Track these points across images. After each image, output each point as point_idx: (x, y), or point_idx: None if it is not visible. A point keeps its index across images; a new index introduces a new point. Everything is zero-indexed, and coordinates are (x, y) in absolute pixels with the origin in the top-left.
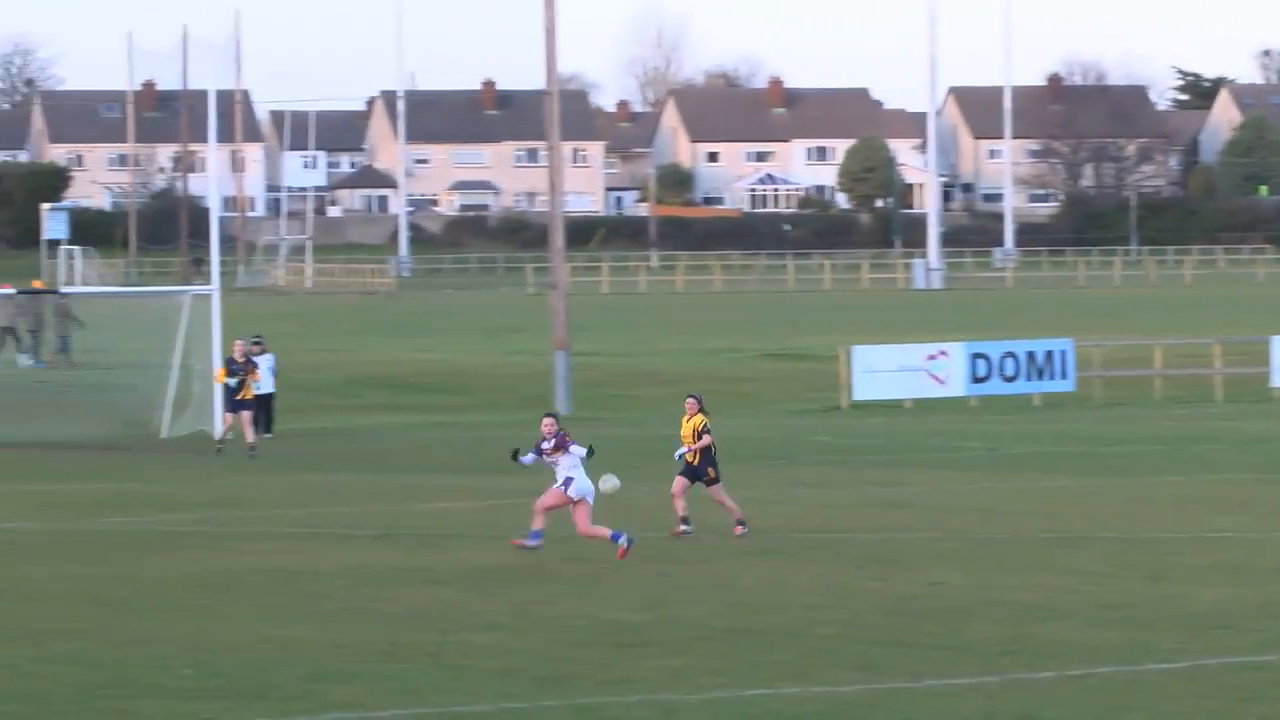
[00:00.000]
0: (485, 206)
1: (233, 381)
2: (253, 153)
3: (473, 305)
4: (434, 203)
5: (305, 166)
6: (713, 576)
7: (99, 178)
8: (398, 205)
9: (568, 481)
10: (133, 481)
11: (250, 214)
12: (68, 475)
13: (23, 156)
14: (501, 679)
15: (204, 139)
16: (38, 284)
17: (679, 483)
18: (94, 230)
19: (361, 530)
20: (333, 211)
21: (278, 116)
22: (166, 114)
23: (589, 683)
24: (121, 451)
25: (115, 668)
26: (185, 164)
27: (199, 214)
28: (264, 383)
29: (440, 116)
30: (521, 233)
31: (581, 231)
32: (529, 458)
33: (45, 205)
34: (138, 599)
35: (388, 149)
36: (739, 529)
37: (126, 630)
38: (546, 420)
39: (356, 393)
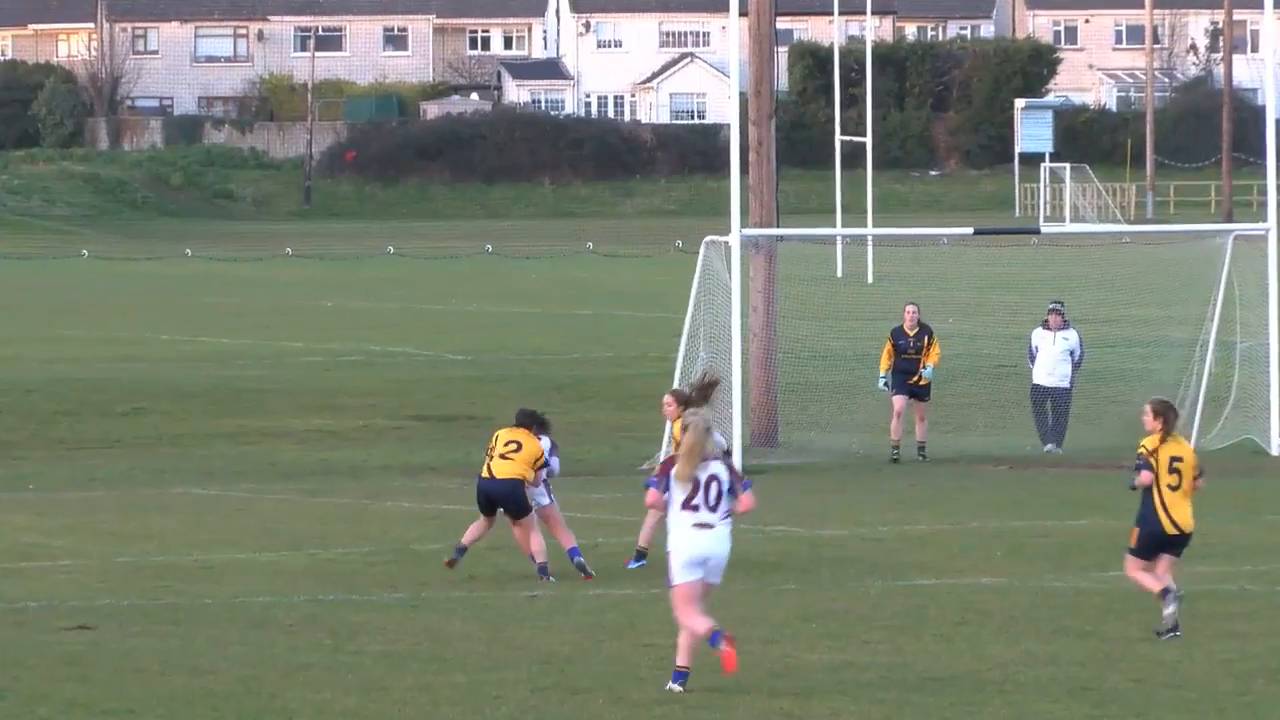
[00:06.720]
0: None
1: (884, 380)
2: None
3: None
4: None
5: None
6: None
7: (1099, 61)
8: None
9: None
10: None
11: None
12: (980, 505)
13: (986, 30)
14: None
15: (1256, 3)
16: None
17: None
18: (1089, 139)
19: None
20: None
21: None
22: None
23: None
24: (1109, 469)
25: None
26: (1227, 40)
27: (1248, 115)
28: (1056, 372)
29: None
30: None
31: None
32: None
33: (1019, 102)
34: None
35: None
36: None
37: None
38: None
39: None
